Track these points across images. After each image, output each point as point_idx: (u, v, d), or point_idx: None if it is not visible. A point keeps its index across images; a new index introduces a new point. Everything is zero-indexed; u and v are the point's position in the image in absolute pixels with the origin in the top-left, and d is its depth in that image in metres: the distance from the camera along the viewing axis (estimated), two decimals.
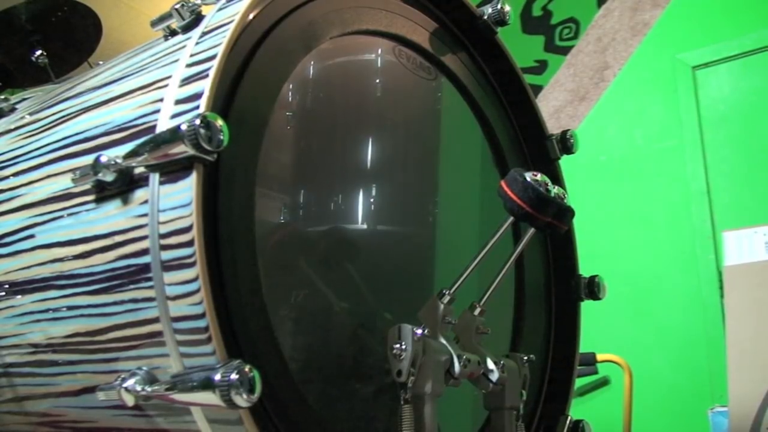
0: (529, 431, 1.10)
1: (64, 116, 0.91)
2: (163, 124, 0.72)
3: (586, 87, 2.92)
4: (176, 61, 0.78)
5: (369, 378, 0.90)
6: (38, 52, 2.16)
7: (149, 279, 0.69)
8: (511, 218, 0.86)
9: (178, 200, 0.67)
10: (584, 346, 1.20)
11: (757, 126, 2.48)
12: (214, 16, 0.79)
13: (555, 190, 0.86)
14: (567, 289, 1.20)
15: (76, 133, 0.86)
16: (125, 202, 0.73)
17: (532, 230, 0.89)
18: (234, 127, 0.70)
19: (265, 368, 0.66)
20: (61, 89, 1.03)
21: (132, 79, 0.85)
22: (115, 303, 0.73)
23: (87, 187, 0.77)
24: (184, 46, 0.79)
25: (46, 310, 0.81)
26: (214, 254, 0.70)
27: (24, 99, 1.17)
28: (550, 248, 1.23)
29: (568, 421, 1.12)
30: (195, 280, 0.64)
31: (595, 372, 2.30)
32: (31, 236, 0.84)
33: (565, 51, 3.07)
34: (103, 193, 0.76)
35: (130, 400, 0.69)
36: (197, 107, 0.69)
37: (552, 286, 1.22)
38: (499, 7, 1.15)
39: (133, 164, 0.72)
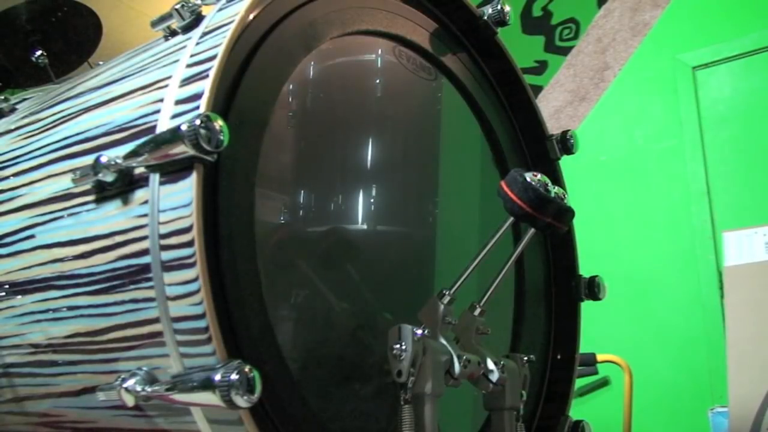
0: (529, 431, 1.10)
1: (64, 116, 0.92)
2: (164, 125, 0.72)
3: (586, 87, 2.92)
4: (176, 61, 0.78)
5: (369, 378, 0.90)
6: (38, 52, 2.16)
7: (149, 279, 0.69)
8: (511, 218, 0.86)
9: (178, 200, 0.67)
10: (584, 346, 1.20)
11: (757, 126, 2.48)
12: (214, 17, 0.80)
13: (555, 190, 0.86)
14: (567, 289, 1.20)
15: (77, 134, 0.86)
16: (125, 202, 0.73)
17: (532, 230, 0.89)
18: (234, 128, 0.70)
19: (265, 368, 0.66)
20: (62, 89, 1.03)
21: (132, 79, 0.85)
22: (115, 303, 0.73)
23: (87, 187, 0.77)
24: (184, 47, 0.79)
25: (47, 311, 0.81)
26: (214, 254, 0.70)
27: (24, 99, 1.17)
28: (550, 248, 1.23)
29: (568, 422, 1.12)
30: (195, 280, 0.64)
31: (595, 372, 2.30)
32: (32, 236, 0.84)
33: (565, 51, 3.07)
34: (103, 193, 0.76)
35: (130, 401, 0.69)
36: (197, 107, 0.69)
37: (552, 286, 1.22)
38: (499, 7, 1.15)
39: (134, 164, 0.72)
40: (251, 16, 0.81)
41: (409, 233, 1.08)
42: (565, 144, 1.23)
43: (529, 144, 1.24)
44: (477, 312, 0.88)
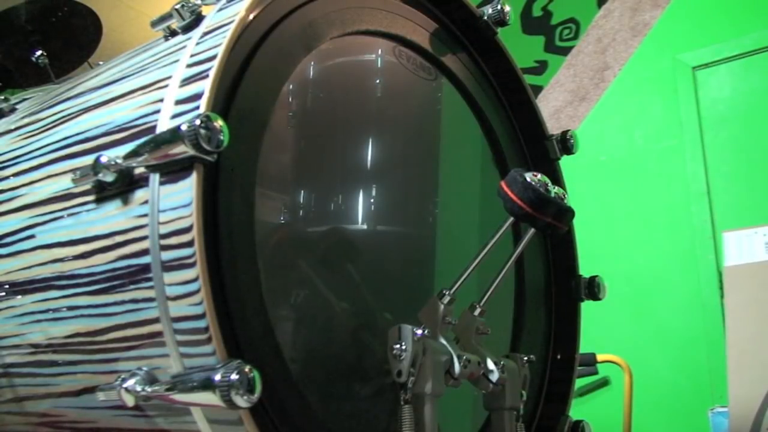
0: (529, 431, 1.10)
1: (64, 116, 0.92)
2: (164, 125, 0.72)
3: (586, 87, 2.92)
4: (176, 61, 0.78)
5: (369, 378, 0.90)
6: (38, 52, 2.16)
7: (149, 279, 0.69)
8: (511, 218, 0.86)
9: (178, 200, 0.67)
10: (584, 346, 1.20)
11: (757, 126, 2.48)
12: (214, 17, 0.80)
13: (555, 190, 0.86)
14: (567, 289, 1.20)
15: (77, 134, 0.86)
16: (125, 202, 0.73)
17: (532, 230, 0.89)
18: (234, 128, 0.70)
19: (265, 368, 0.66)
20: (62, 89, 1.03)
21: (132, 79, 0.85)
22: (115, 303, 0.73)
23: (87, 187, 0.77)
24: (184, 47, 0.79)
25: (47, 311, 0.81)
26: (214, 254, 0.70)
27: (24, 99, 1.17)
28: (550, 248, 1.23)
29: (568, 422, 1.12)
30: (195, 280, 0.64)
31: (595, 372, 2.30)
32: (32, 236, 0.84)
33: (565, 51, 3.07)
34: (103, 193, 0.76)
35: (130, 401, 0.69)
36: (197, 107, 0.69)
37: (552, 286, 1.22)
38: (499, 7, 1.15)
39: (134, 164, 0.72)
40: (251, 16, 0.80)
41: (409, 233, 1.08)
42: (565, 144, 1.23)
43: (529, 144, 1.24)
44: (477, 312, 0.88)
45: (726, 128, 2.55)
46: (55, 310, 0.80)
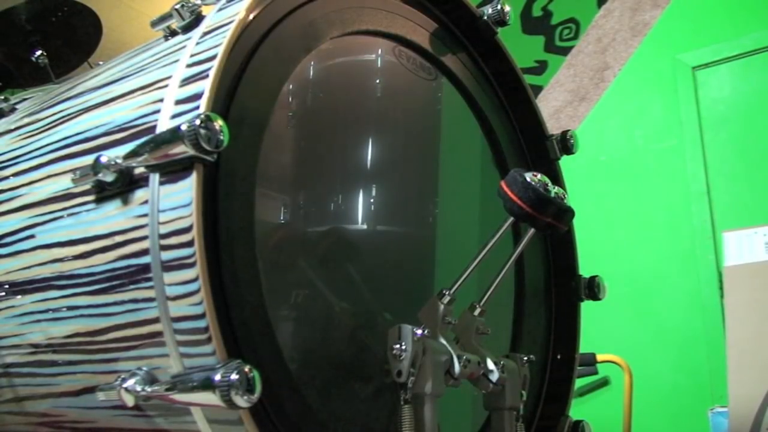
0: (528, 431, 1.10)
1: (64, 116, 0.92)
2: (164, 125, 0.72)
3: (586, 87, 2.92)
4: (176, 61, 0.78)
5: (369, 378, 0.90)
6: (38, 52, 2.16)
7: (149, 279, 0.69)
8: (511, 218, 0.86)
9: (178, 200, 0.67)
10: (584, 347, 1.20)
11: (757, 126, 2.48)
12: (214, 17, 0.80)
13: (555, 190, 0.86)
14: (567, 289, 1.20)
15: (77, 134, 0.86)
16: (125, 202, 0.73)
17: (532, 230, 0.89)
18: (234, 128, 0.70)
19: (265, 368, 0.66)
20: (62, 89, 1.03)
21: (132, 79, 0.85)
22: (115, 303, 0.73)
23: (87, 187, 0.77)
24: (184, 47, 0.79)
25: (47, 311, 0.81)
26: (214, 254, 0.70)
27: (24, 99, 1.17)
28: (550, 248, 1.23)
29: (568, 422, 1.12)
30: (195, 280, 0.64)
31: (595, 372, 2.30)
32: (32, 236, 0.84)
33: (565, 51, 3.07)
34: (103, 193, 0.76)
35: (130, 401, 0.69)
36: (197, 107, 0.69)
37: (552, 286, 1.22)
38: (499, 7, 1.15)
39: (134, 164, 0.72)
40: (251, 16, 0.81)
41: (409, 233, 1.08)
42: (565, 144, 1.23)
43: (529, 144, 1.24)
44: (477, 312, 0.88)
45: (726, 128, 2.55)
46: (55, 310, 0.80)
